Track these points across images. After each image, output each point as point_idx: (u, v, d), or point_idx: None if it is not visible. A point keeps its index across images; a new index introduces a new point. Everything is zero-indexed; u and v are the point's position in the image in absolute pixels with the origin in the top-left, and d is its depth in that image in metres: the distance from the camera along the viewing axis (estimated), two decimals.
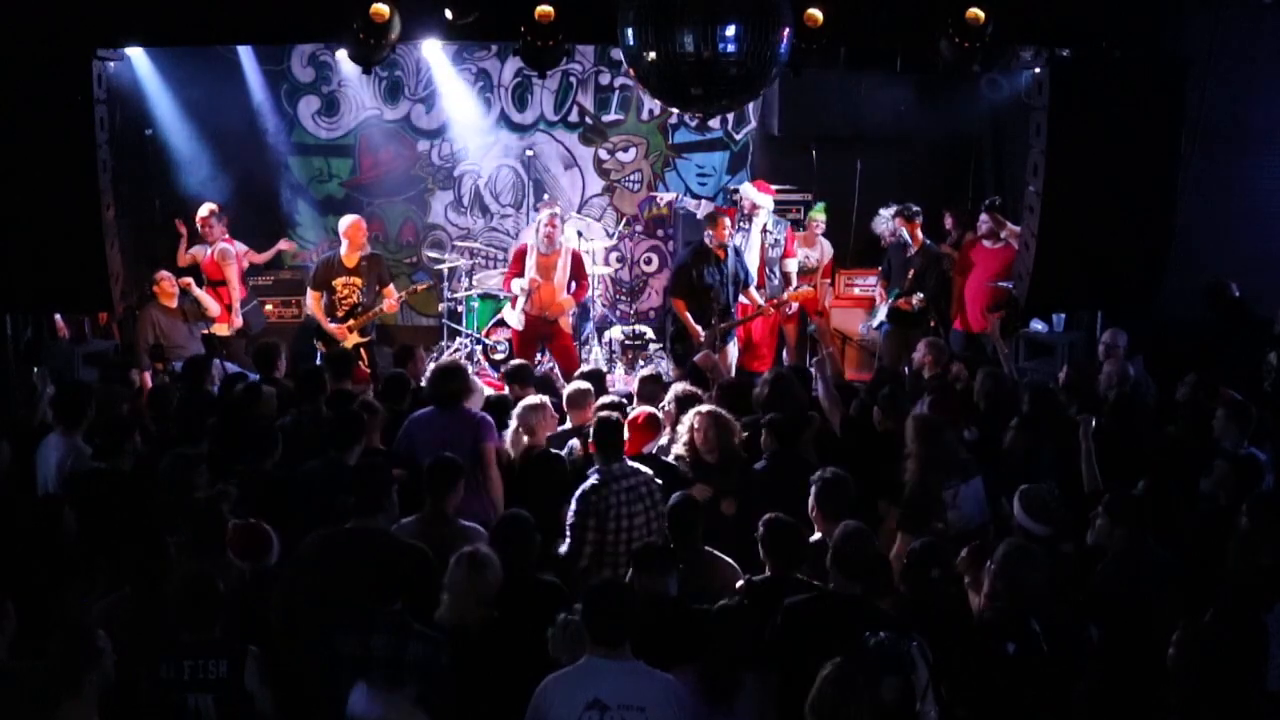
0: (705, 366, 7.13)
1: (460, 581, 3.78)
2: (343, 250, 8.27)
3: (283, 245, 9.75)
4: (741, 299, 8.52)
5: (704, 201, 9.75)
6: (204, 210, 8.70)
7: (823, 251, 9.42)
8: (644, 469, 4.96)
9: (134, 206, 8.95)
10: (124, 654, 3.50)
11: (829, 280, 9.53)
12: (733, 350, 8.60)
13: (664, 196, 9.99)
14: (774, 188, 9.34)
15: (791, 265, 9.16)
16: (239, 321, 8.77)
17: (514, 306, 8.65)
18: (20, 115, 6.57)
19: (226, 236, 8.84)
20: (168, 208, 9.54)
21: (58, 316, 8.11)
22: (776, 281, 9.10)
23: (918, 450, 4.96)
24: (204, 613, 3.65)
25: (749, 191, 9.13)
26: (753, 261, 8.91)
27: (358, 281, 8.27)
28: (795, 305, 9.12)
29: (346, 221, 8.37)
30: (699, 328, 8.23)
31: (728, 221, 8.32)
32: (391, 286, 8.48)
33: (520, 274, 8.49)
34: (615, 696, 3.34)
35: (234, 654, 3.61)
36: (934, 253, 8.83)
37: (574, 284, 8.60)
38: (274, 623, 4.03)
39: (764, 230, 9.00)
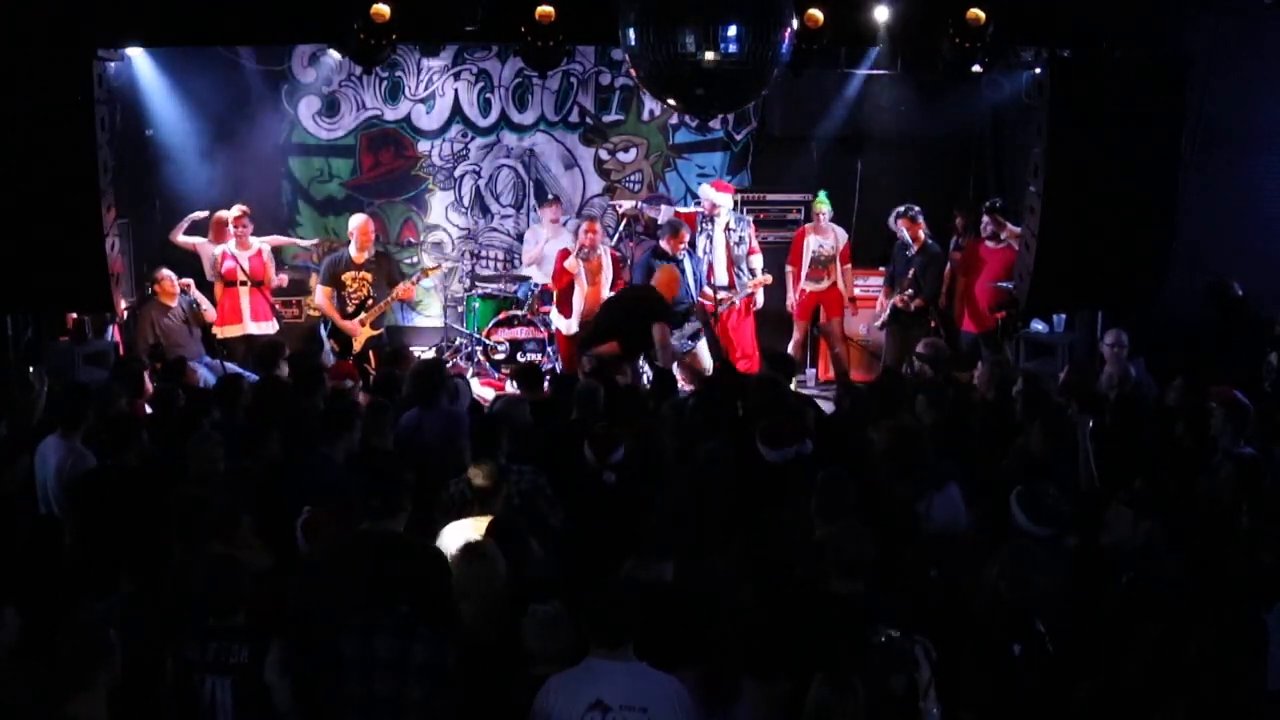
0: (688, 372, 7.27)
1: (468, 579, 3.75)
2: (352, 248, 8.38)
3: (297, 240, 9.76)
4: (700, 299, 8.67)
5: (664, 207, 9.78)
6: (236, 210, 8.64)
7: (836, 238, 9.39)
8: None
9: (134, 206, 8.94)
10: (127, 652, 3.51)
11: (848, 266, 9.48)
12: (704, 349, 8.67)
13: (623, 203, 10.04)
14: (733, 189, 9.45)
15: (757, 262, 9.22)
16: (265, 328, 8.73)
17: (566, 315, 8.80)
18: (20, 115, 6.57)
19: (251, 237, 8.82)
20: (168, 208, 9.53)
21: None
22: (745, 279, 9.15)
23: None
24: (228, 598, 3.65)
25: (707, 192, 9.19)
26: (719, 260, 8.99)
27: (367, 277, 8.36)
28: (761, 299, 9.23)
29: (356, 221, 8.47)
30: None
31: (686, 235, 8.53)
32: (405, 284, 8.59)
33: (569, 284, 8.69)
34: (617, 697, 3.32)
35: (256, 642, 3.61)
36: (934, 252, 8.84)
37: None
38: (289, 619, 4.02)
39: (727, 229, 9.03)
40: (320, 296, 8.42)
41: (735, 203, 9.40)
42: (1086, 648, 3.74)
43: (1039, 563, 3.73)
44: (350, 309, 8.35)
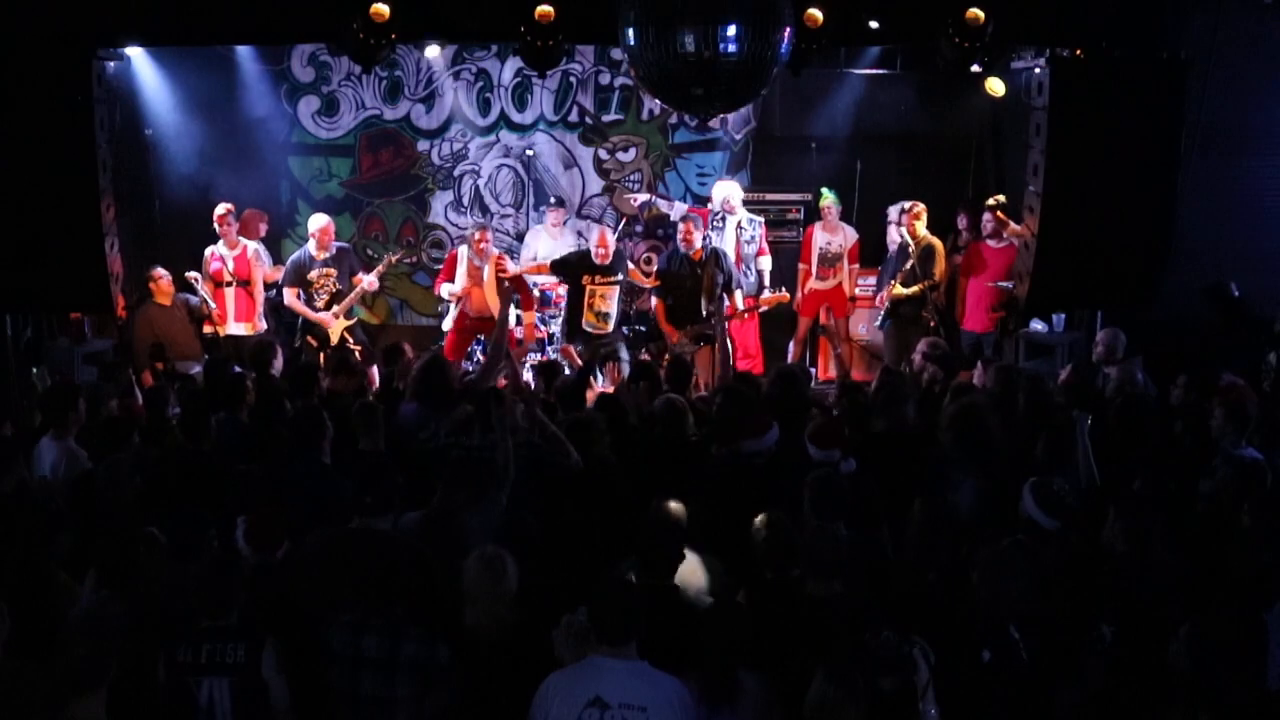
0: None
1: (479, 582, 3.75)
2: (311, 248, 8.51)
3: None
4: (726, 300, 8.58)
5: (676, 203, 9.85)
6: (221, 209, 8.67)
7: (845, 237, 9.42)
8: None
9: (134, 206, 8.93)
10: (121, 652, 3.51)
11: (854, 265, 9.52)
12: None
13: (638, 197, 10.09)
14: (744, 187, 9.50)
15: (765, 264, 9.27)
16: (263, 325, 8.78)
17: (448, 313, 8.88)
18: (20, 115, 6.58)
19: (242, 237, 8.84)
20: (167, 208, 9.53)
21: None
22: (752, 279, 9.17)
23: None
24: (223, 598, 3.65)
25: (723, 188, 9.21)
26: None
27: (331, 272, 8.52)
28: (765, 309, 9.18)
29: (317, 221, 8.59)
30: (672, 328, 8.50)
31: (693, 229, 8.49)
32: (374, 271, 8.68)
33: (450, 279, 8.69)
34: (616, 695, 3.32)
35: (252, 640, 3.61)
36: (932, 246, 8.78)
37: (518, 295, 8.79)
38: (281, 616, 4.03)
39: (739, 228, 9.07)
40: (288, 297, 8.55)
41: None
42: (1066, 655, 3.73)
43: (1017, 569, 3.74)
44: (320, 305, 8.52)
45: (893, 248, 8.96)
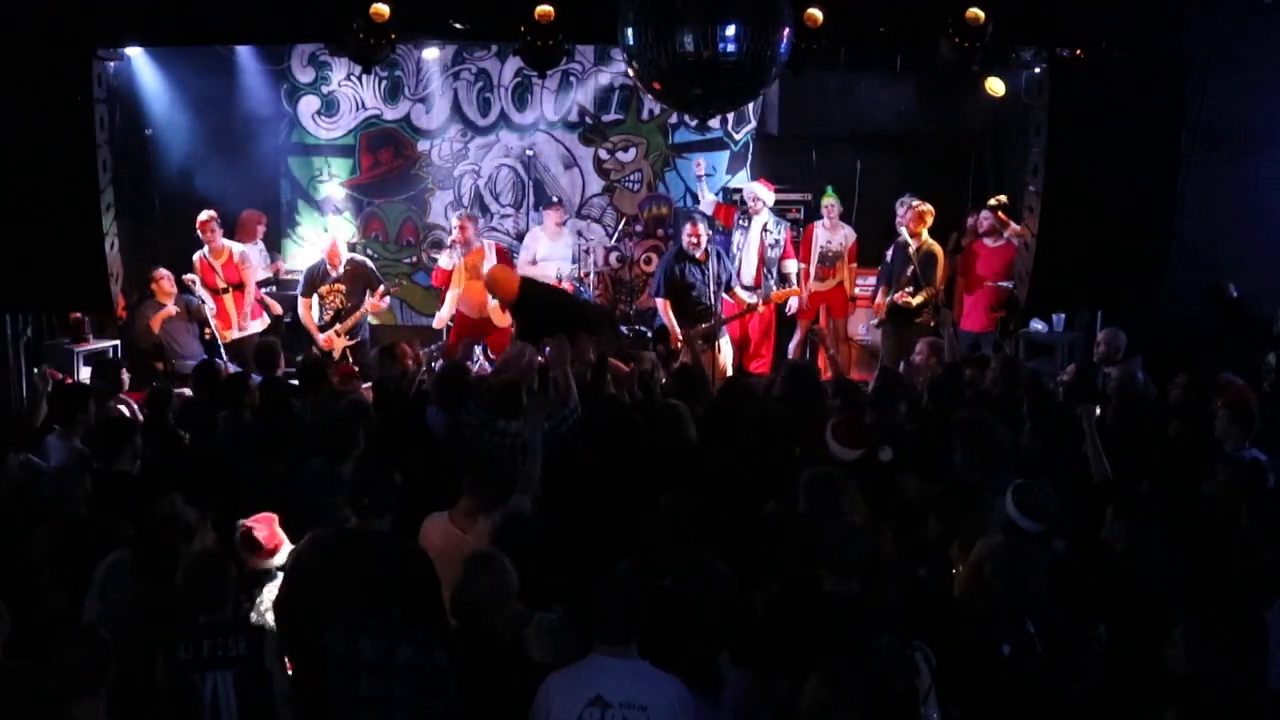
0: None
1: (480, 589, 3.71)
2: (326, 262, 8.55)
3: (278, 265, 9.77)
4: (725, 298, 8.55)
5: (709, 198, 9.83)
6: (204, 215, 8.62)
7: (845, 235, 9.44)
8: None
9: (134, 206, 8.93)
10: (128, 650, 3.52)
11: (853, 265, 9.53)
12: (727, 348, 8.64)
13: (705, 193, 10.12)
14: (774, 188, 9.36)
15: (790, 266, 9.20)
16: (250, 327, 8.77)
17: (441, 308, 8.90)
18: (20, 115, 6.58)
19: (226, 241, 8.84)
20: (168, 208, 9.53)
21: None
22: (773, 282, 9.13)
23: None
24: (217, 593, 3.67)
25: (754, 188, 9.21)
26: (751, 260, 8.96)
27: (341, 287, 8.52)
28: (794, 304, 9.18)
29: (324, 244, 8.65)
30: (678, 330, 8.42)
31: (701, 229, 8.40)
32: (381, 289, 8.67)
33: (448, 282, 8.73)
34: (617, 694, 3.32)
35: (253, 632, 3.66)
36: (933, 249, 8.78)
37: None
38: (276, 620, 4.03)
39: (764, 229, 9.04)
40: (301, 309, 8.59)
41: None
42: (1074, 648, 3.74)
43: (1033, 563, 3.73)
44: (326, 319, 8.52)
45: (901, 249, 8.93)
